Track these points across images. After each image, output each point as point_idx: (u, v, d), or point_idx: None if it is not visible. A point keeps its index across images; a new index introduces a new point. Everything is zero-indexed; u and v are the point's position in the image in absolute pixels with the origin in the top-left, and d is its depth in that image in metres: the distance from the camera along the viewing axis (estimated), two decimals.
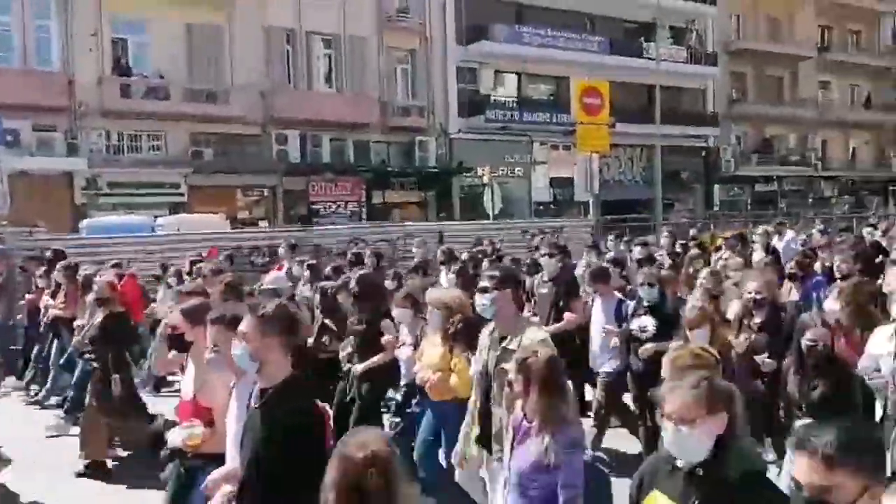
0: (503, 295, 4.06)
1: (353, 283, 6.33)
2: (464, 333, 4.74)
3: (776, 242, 11.33)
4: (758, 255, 9.57)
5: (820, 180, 35.86)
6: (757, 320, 5.49)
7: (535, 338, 3.84)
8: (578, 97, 17.83)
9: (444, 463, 4.91)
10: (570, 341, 6.56)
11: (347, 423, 5.60)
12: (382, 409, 6.03)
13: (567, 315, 6.77)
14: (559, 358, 3.41)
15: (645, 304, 6.06)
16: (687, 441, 2.35)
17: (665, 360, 3.48)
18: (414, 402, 5.38)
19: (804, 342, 4.31)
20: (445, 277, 9.27)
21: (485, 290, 4.12)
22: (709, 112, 31.96)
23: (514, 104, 26.97)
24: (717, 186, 32.53)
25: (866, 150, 38.56)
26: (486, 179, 21.41)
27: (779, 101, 34.59)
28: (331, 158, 23.37)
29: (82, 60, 19.83)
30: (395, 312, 5.78)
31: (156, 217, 16.92)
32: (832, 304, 5.04)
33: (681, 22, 30.69)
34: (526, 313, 6.79)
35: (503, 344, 4.01)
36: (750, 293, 5.56)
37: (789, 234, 12.48)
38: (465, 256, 10.07)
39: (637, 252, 9.97)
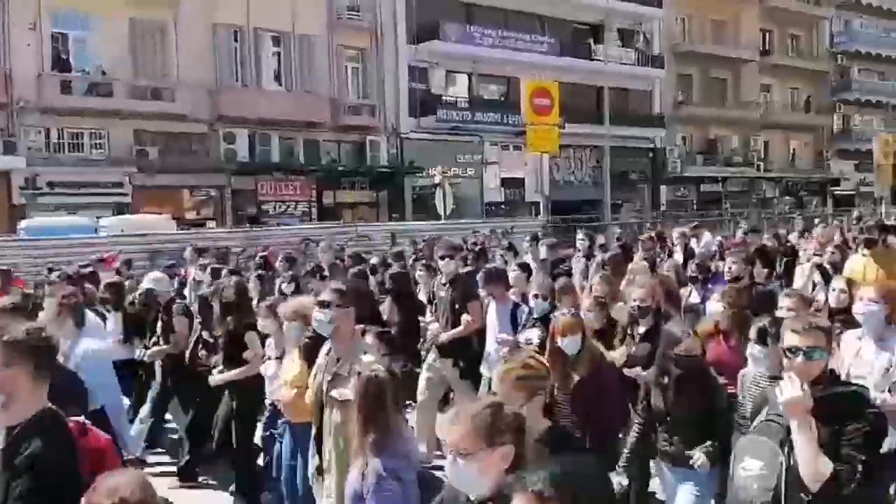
0: (343, 312, 3.76)
1: (227, 291, 5.71)
2: (313, 348, 4.26)
3: (694, 244, 11.06)
4: (677, 256, 9.34)
5: (762, 181, 36.87)
6: (640, 329, 5.09)
7: (369, 363, 3.53)
8: (528, 98, 17.98)
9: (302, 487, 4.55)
10: (469, 346, 6.47)
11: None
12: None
13: (463, 318, 6.47)
14: (383, 381, 3.16)
15: (534, 315, 5.69)
16: (464, 474, 2.15)
17: (495, 373, 3.33)
18: (280, 420, 4.94)
19: (669, 354, 4.02)
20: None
21: (324, 305, 3.78)
22: (656, 113, 32.56)
23: (466, 104, 27.05)
24: (664, 187, 33.16)
25: (806, 152, 39.79)
26: (437, 179, 21.41)
27: (723, 103, 35.44)
28: (280, 158, 23.07)
29: (20, 55, 19.14)
30: (259, 324, 5.31)
31: (98, 218, 16.48)
32: (714, 307, 4.87)
33: (628, 24, 31.20)
34: (428, 317, 6.88)
35: (335, 368, 3.74)
36: (634, 301, 5.17)
37: (706, 236, 12.36)
38: (374, 260, 9.51)
39: (543, 252, 9.70)
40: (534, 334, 5.37)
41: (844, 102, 40.40)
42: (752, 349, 3.84)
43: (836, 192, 39.50)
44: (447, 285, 6.70)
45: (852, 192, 39.42)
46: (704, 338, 4.63)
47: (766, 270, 6.84)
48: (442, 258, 6.97)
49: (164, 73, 21.21)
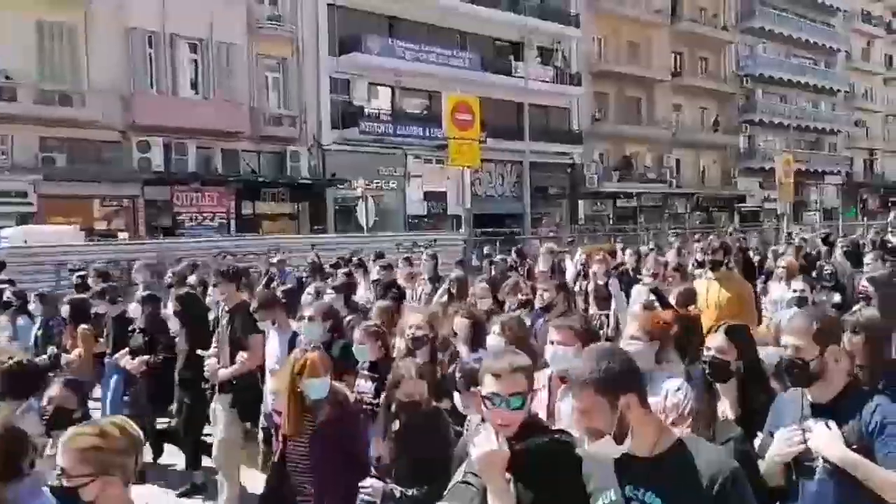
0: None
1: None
2: None
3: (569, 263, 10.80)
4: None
5: (674, 197, 38.29)
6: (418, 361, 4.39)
7: None
8: (449, 112, 18.08)
9: None
10: (249, 385, 5.82)
11: None
12: None
13: (239, 356, 5.75)
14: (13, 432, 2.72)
15: (311, 342, 4.80)
16: None
17: None
18: None
19: (391, 395, 3.47)
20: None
21: None
22: (574, 130, 33.39)
23: (389, 117, 27.05)
24: (581, 201, 33.99)
25: (715, 170, 41.58)
26: (359, 192, 21.31)
27: (637, 121, 36.68)
28: (197, 167, 22.46)
29: None
30: None
31: (0, 228, 15.63)
32: (493, 340, 4.11)
33: (547, 42, 31.93)
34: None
35: None
36: (409, 329, 4.53)
37: (577, 253, 11.79)
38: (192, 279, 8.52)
39: (374, 273, 9.15)
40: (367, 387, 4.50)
41: (750, 123, 42.47)
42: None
43: (742, 209, 41.39)
44: (229, 314, 5.90)
45: (758, 209, 41.42)
46: None
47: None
48: (215, 284, 6.20)
49: (73, 78, 20.36)
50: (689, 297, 5.83)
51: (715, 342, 3.21)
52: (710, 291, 6.06)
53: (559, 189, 33.05)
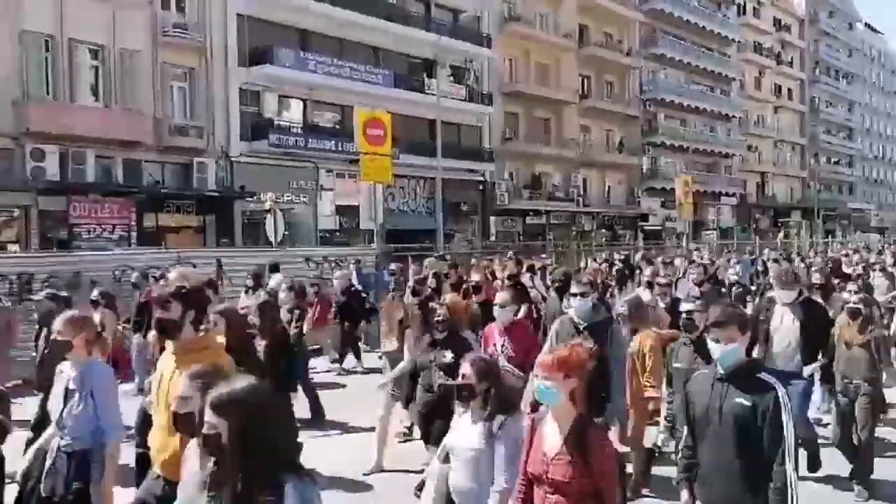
0: None
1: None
2: None
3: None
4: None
5: (582, 215, 39.38)
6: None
7: None
8: (361, 127, 17.99)
9: None
10: None
11: None
12: None
13: None
14: None
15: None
16: None
17: None
18: None
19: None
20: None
21: None
22: (485, 148, 33.91)
23: (300, 130, 26.72)
24: (493, 218, 34.49)
25: (619, 189, 43.06)
26: (268, 205, 20.87)
27: (546, 141, 37.60)
28: (96, 178, 21.49)
29: None
30: None
31: None
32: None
33: (460, 61, 32.37)
34: None
35: None
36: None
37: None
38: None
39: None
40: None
41: (652, 145, 44.28)
42: None
43: (645, 227, 42.99)
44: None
45: (660, 227, 43.12)
46: None
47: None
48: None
49: None
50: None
51: None
52: None
53: (471, 206, 33.44)
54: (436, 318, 5.69)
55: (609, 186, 42.39)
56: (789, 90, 59.22)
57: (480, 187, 33.76)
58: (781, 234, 42.64)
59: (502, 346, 5.74)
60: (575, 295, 5.63)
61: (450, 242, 28.53)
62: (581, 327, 5.35)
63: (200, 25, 24.00)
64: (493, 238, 32.98)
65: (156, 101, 22.93)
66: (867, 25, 74.57)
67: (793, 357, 6.25)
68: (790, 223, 53.66)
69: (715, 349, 3.49)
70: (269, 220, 20.18)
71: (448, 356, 5.38)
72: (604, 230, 40.11)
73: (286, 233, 21.38)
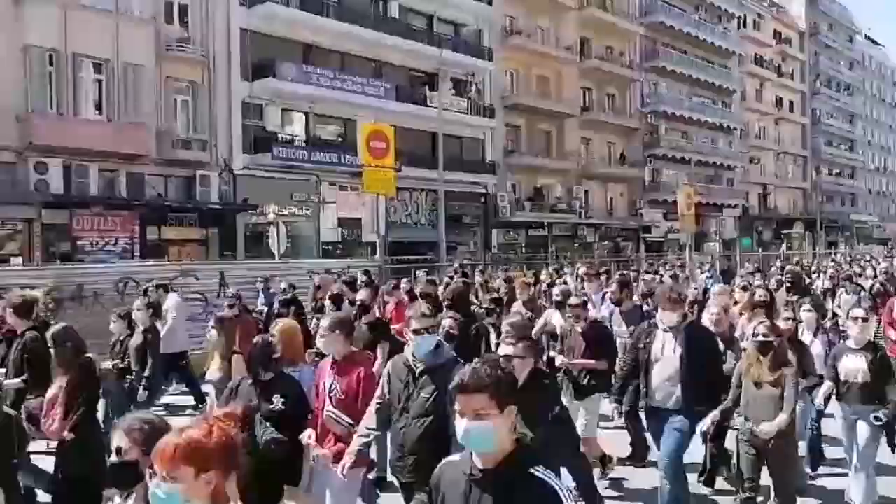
0: None
1: None
2: None
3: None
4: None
5: (584, 227, 39.38)
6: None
7: None
8: (364, 140, 18.03)
9: None
10: None
11: None
12: None
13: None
14: None
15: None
16: None
17: None
18: None
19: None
20: None
21: None
22: (487, 161, 33.97)
23: (303, 143, 26.81)
24: (495, 230, 34.50)
25: (621, 201, 43.07)
26: (271, 218, 20.90)
27: (548, 153, 37.66)
28: (99, 191, 21.57)
29: None
30: None
31: None
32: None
33: (462, 74, 32.50)
34: None
35: None
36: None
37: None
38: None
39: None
40: None
41: (654, 157, 44.31)
42: None
43: (647, 239, 42.97)
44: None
45: (662, 239, 43.09)
46: None
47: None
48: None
49: None
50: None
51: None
52: None
53: (473, 218, 33.45)
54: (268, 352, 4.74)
55: (611, 198, 42.40)
56: (790, 102, 59.35)
57: (482, 199, 33.80)
58: (784, 246, 42.57)
59: (331, 386, 4.69)
60: (417, 331, 4.65)
61: (452, 254, 28.51)
62: (417, 370, 4.31)
63: (203, 39, 24.15)
64: (495, 250, 32.98)
65: (159, 115, 23.04)
66: (867, 38, 74.82)
67: (673, 393, 5.36)
68: (793, 234, 53.62)
69: (460, 429, 2.28)
70: (271, 233, 20.23)
71: (278, 402, 4.57)
72: (606, 242, 40.08)
73: (289, 245, 21.43)
